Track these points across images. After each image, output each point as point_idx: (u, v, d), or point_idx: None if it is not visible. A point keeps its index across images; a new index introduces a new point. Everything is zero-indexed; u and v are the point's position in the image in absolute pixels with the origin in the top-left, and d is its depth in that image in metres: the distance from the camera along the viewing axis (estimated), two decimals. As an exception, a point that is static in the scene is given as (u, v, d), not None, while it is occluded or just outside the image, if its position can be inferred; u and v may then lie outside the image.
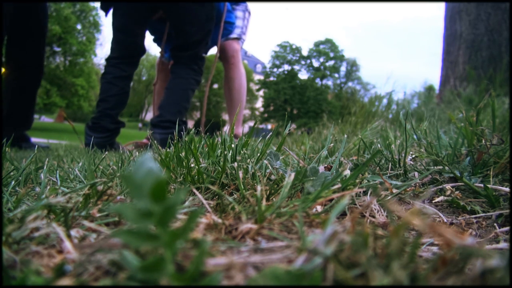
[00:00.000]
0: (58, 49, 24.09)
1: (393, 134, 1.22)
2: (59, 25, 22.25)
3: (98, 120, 2.36)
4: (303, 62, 38.36)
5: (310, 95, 35.70)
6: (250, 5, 3.09)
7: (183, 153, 0.69)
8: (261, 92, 39.07)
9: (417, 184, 0.67)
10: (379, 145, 0.97)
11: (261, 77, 40.73)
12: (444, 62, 3.77)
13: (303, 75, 39.24)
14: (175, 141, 0.74)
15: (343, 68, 39.04)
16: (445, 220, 0.54)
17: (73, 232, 0.38)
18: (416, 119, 2.51)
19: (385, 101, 3.47)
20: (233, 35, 2.96)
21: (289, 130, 0.78)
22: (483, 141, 0.73)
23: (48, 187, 0.59)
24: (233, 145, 0.72)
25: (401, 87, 11.58)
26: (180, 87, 2.45)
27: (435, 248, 0.39)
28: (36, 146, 1.24)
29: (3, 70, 2.59)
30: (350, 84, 39.37)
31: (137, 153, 1.03)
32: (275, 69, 38.23)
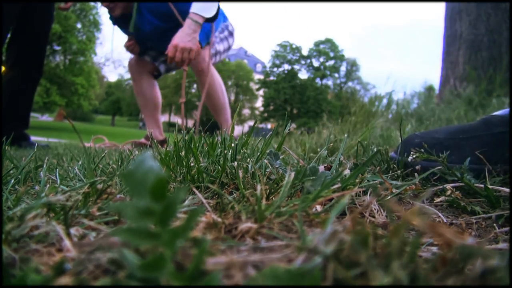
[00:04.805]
0: (58, 48, 24.09)
1: (393, 134, 1.22)
2: (59, 23, 22.25)
3: None
4: (303, 62, 38.38)
5: (310, 94, 35.73)
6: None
7: (183, 152, 0.69)
8: (261, 92, 39.07)
9: (417, 184, 0.67)
10: (379, 145, 0.97)
11: (261, 77, 40.74)
12: (444, 62, 3.77)
13: (303, 74, 39.29)
14: (178, 140, 0.73)
15: (343, 68, 39.09)
16: (445, 220, 0.54)
17: (73, 231, 0.38)
18: (416, 119, 2.51)
19: (385, 101, 3.48)
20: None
21: (289, 130, 0.78)
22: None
23: (48, 185, 0.59)
24: (233, 145, 0.72)
25: (401, 87, 11.58)
26: None
27: (435, 248, 0.39)
28: (36, 144, 1.23)
29: (3, 69, 2.59)
30: (350, 84, 39.41)
31: (136, 151, 1.03)
32: (275, 69, 38.25)
